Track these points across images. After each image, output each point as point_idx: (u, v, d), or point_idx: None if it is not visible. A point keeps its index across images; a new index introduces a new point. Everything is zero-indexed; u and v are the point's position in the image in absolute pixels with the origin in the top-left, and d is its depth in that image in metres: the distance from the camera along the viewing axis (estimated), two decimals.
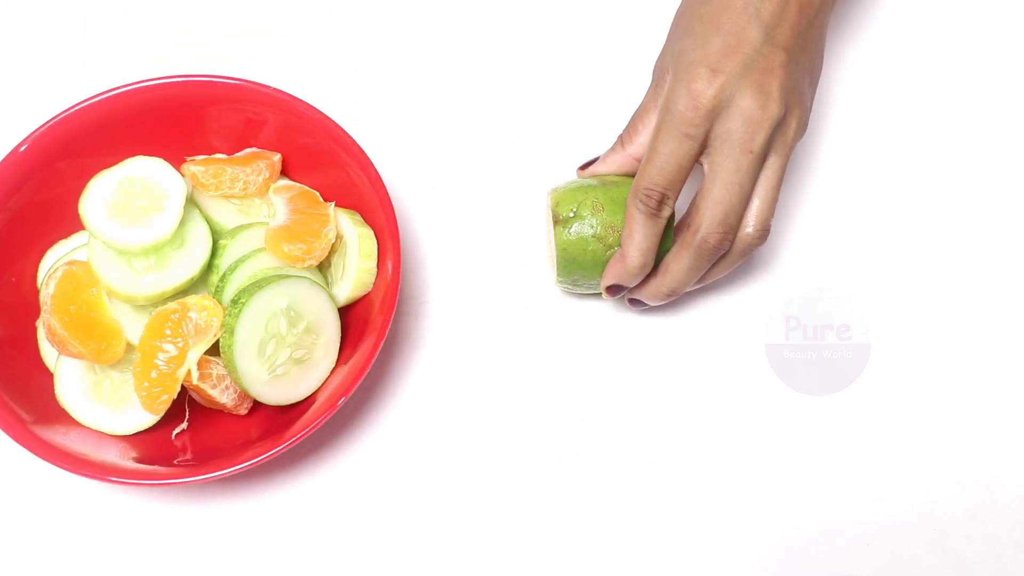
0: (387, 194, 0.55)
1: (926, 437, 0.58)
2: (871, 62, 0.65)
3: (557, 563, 0.55)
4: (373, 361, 0.52)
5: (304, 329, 0.53)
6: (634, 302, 0.57)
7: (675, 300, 0.58)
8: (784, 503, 0.56)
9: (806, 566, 0.55)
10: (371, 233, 0.56)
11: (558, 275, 0.56)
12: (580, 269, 0.55)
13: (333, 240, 0.55)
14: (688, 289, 0.55)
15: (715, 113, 0.51)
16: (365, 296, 0.56)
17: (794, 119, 0.52)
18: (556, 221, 0.54)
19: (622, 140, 0.56)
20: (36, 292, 0.56)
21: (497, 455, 0.57)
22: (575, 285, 0.57)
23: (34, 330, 0.55)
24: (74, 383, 0.53)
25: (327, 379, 0.54)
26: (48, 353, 0.55)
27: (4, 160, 0.54)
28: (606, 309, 0.60)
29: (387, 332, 0.52)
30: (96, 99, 0.56)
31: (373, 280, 0.56)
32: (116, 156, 0.55)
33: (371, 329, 0.53)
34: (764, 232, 0.53)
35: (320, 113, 0.56)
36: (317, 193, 0.57)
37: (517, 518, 0.56)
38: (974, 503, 0.56)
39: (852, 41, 0.66)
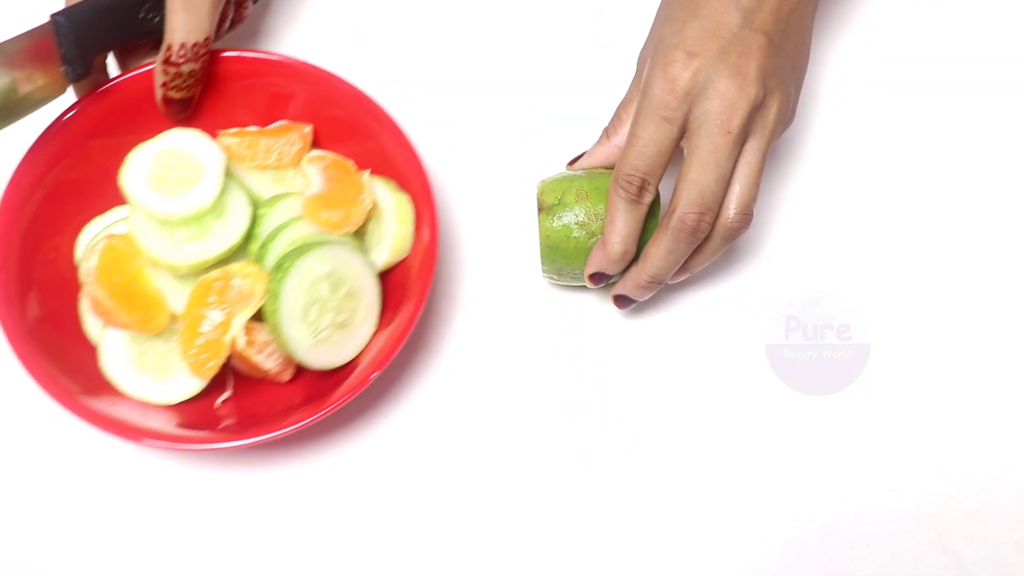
0: (420, 161, 0.55)
1: (926, 437, 0.57)
2: (861, 57, 0.65)
3: (574, 548, 0.55)
4: (415, 325, 0.52)
5: (345, 294, 0.54)
6: (619, 300, 0.56)
7: (675, 298, 0.59)
8: (784, 503, 0.56)
9: (806, 566, 0.55)
10: (407, 198, 0.56)
11: (543, 265, 0.56)
12: (564, 258, 0.55)
13: (370, 206, 0.55)
14: (674, 281, 0.55)
15: (692, 95, 0.50)
16: (401, 262, 0.57)
17: (775, 103, 0.51)
18: (540, 209, 0.55)
19: (607, 132, 0.56)
20: (73, 269, 0.56)
21: (519, 442, 0.57)
22: (559, 275, 0.57)
23: (72, 306, 0.55)
24: (119, 354, 0.53)
25: (368, 343, 0.55)
26: (92, 326, 0.55)
27: (39, 138, 0.55)
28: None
29: (427, 296, 0.53)
30: (126, 76, 0.56)
31: (410, 245, 0.56)
32: (148, 133, 0.55)
33: (411, 294, 0.54)
34: (746, 217, 0.52)
35: (349, 84, 0.56)
36: (351, 162, 0.58)
37: (536, 504, 0.56)
38: (974, 503, 0.56)
39: (842, 30, 0.66)
